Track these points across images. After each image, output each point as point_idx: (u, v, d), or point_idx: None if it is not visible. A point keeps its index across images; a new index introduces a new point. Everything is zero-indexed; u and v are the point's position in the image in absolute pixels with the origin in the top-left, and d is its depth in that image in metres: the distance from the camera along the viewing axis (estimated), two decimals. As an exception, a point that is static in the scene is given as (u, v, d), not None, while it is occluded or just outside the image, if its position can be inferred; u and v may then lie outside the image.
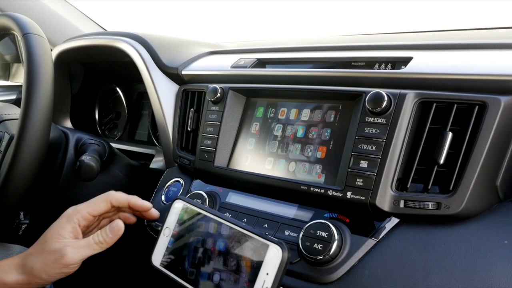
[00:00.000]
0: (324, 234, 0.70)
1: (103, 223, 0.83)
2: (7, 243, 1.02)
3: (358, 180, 0.71)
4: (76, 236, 0.75)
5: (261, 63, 0.98)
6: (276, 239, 0.62)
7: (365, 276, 0.66)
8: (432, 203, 0.66)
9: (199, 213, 0.72)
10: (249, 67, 0.95)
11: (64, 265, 0.71)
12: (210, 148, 0.91)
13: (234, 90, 0.92)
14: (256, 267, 0.61)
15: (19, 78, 1.70)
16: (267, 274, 0.60)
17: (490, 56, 0.73)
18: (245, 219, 0.82)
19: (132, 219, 0.83)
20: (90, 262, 0.77)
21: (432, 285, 0.61)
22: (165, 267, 0.72)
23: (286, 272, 0.69)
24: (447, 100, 0.68)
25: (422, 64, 0.74)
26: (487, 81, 0.67)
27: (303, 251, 0.70)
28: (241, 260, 0.63)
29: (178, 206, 0.75)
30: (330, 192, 0.73)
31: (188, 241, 0.71)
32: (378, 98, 0.70)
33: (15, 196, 0.77)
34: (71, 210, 0.77)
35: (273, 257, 0.60)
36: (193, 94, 1.03)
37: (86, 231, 0.80)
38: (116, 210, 0.82)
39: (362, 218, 0.72)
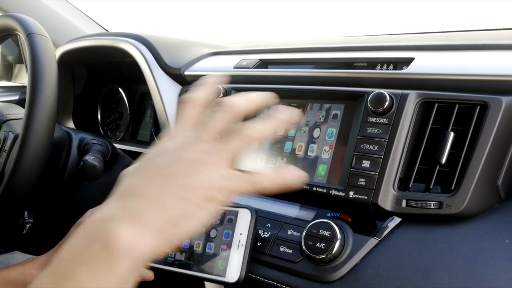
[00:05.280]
0: (326, 233, 0.70)
1: None
2: (12, 241, 1.03)
3: (360, 179, 0.71)
4: None
5: (263, 64, 0.98)
6: (243, 204, 0.76)
7: (368, 275, 0.67)
8: (434, 202, 0.67)
9: None
10: (251, 68, 0.96)
11: None
12: (213, 148, 0.91)
13: (237, 91, 0.92)
14: (231, 231, 0.74)
15: (21, 78, 1.71)
16: (241, 234, 0.73)
17: (491, 57, 0.73)
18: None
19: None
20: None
21: (434, 284, 0.62)
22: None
23: (288, 271, 0.73)
24: (449, 100, 0.68)
25: (424, 64, 0.75)
26: (489, 81, 0.67)
27: (306, 250, 0.71)
28: (217, 230, 0.75)
29: None
30: (333, 192, 0.74)
31: None
32: (380, 98, 0.71)
33: (20, 195, 0.78)
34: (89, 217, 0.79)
35: (243, 219, 0.74)
36: (195, 94, 1.03)
37: None
38: None
39: (364, 218, 0.73)
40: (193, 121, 0.52)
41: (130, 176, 0.49)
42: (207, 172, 0.47)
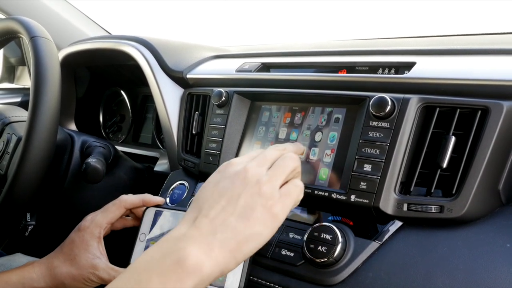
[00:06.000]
0: (328, 236, 0.71)
1: (116, 225, 0.85)
2: (14, 243, 1.03)
3: (362, 183, 0.71)
4: (102, 250, 0.79)
5: (265, 67, 0.98)
6: None
7: (369, 278, 0.67)
8: (435, 206, 0.67)
9: (170, 214, 0.80)
10: (253, 71, 0.96)
11: (97, 282, 0.78)
12: (215, 151, 0.92)
13: (239, 94, 0.93)
14: None
15: (23, 80, 1.71)
16: None
17: (492, 62, 0.73)
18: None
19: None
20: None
21: (435, 288, 0.62)
22: None
23: (290, 274, 0.73)
24: (450, 105, 0.69)
25: (426, 69, 0.75)
26: (490, 86, 0.68)
27: (307, 253, 0.71)
28: None
29: (150, 213, 0.81)
30: (334, 195, 0.74)
31: None
32: (381, 102, 0.71)
33: (23, 197, 0.78)
34: (89, 222, 0.80)
35: None
36: (198, 97, 1.03)
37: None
38: (128, 210, 0.84)
39: (366, 221, 0.73)
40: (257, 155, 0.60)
41: (197, 199, 0.54)
42: (269, 190, 0.53)
